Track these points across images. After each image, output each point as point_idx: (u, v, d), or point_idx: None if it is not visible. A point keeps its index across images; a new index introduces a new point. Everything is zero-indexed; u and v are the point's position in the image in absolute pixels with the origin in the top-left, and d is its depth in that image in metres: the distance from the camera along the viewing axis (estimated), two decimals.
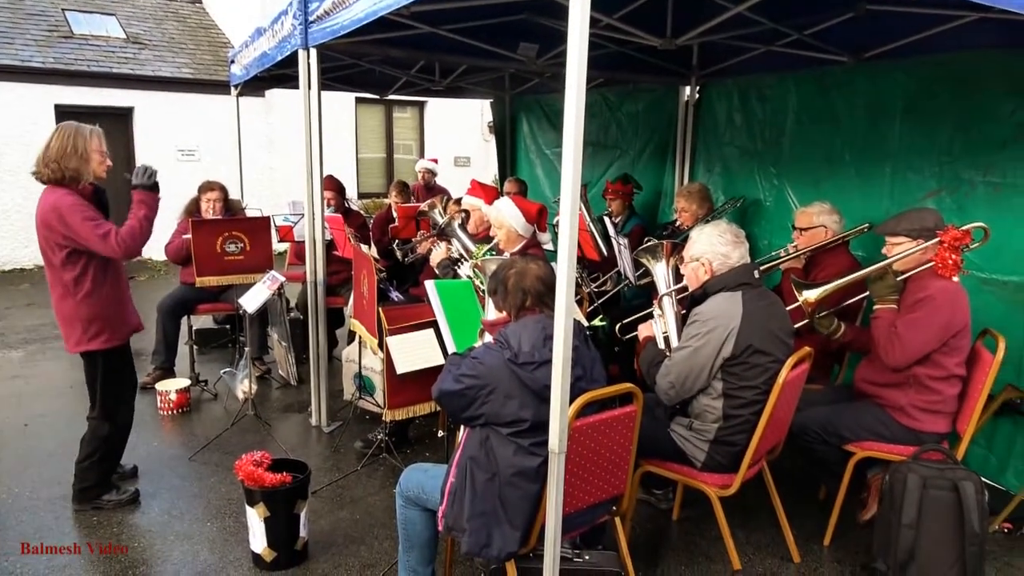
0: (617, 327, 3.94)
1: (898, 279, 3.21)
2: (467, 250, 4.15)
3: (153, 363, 5.41)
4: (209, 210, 5.43)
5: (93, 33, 11.55)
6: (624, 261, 4.50)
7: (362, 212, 6.94)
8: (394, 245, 5.75)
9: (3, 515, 3.54)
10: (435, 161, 8.70)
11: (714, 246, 2.97)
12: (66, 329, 3.43)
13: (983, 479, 2.93)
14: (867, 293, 3.42)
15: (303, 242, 4.71)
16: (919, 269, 3.17)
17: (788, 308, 3.15)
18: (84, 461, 3.58)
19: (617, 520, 2.78)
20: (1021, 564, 3.23)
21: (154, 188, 3.46)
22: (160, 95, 11.41)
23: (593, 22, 2.01)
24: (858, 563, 3.21)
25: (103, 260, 3.37)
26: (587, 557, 2.50)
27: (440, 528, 2.54)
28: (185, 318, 5.47)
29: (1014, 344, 3.48)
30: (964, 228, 3.07)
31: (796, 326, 3.22)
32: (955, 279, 3.09)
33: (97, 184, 3.42)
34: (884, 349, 3.12)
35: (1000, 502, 3.50)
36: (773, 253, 4.26)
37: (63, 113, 10.54)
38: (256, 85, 6.99)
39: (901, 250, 3.19)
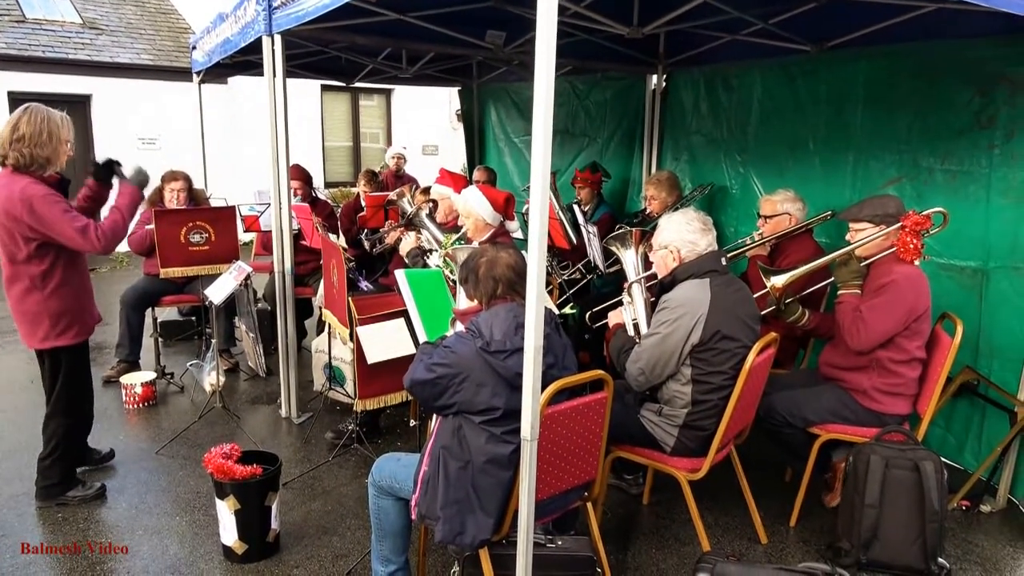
0: (587, 316, 3.96)
1: (861, 265, 3.28)
2: (436, 239, 4.13)
3: (117, 356, 5.31)
4: (173, 200, 5.33)
5: (47, 17, 11.21)
6: (594, 249, 4.53)
7: (329, 201, 6.87)
8: (363, 235, 5.70)
9: None
10: (405, 148, 8.68)
11: (682, 234, 3.00)
12: (29, 326, 3.27)
13: (942, 459, 3.02)
14: (832, 279, 3.49)
15: (270, 232, 4.65)
16: (882, 255, 3.24)
17: (756, 295, 3.20)
18: (47, 459, 3.49)
19: (589, 505, 2.81)
20: (979, 540, 3.34)
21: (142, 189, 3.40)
22: (119, 82, 11.12)
23: (561, 10, 2.01)
24: (823, 542, 3.29)
25: (72, 252, 3.24)
26: (560, 543, 2.52)
27: (413, 517, 2.54)
28: (149, 310, 5.37)
29: (971, 327, 3.59)
30: (925, 213, 3.14)
31: (763, 312, 3.27)
32: (916, 264, 3.17)
33: (62, 174, 3.27)
34: (849, 333, 3.18)
35: (958, 480, 3.61)
36: (739, 241, 4.32)
37: (16, 100, 10.22)
38: (219, 72, 6.86)
39: (864, 236, 3.26)
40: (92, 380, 3.66)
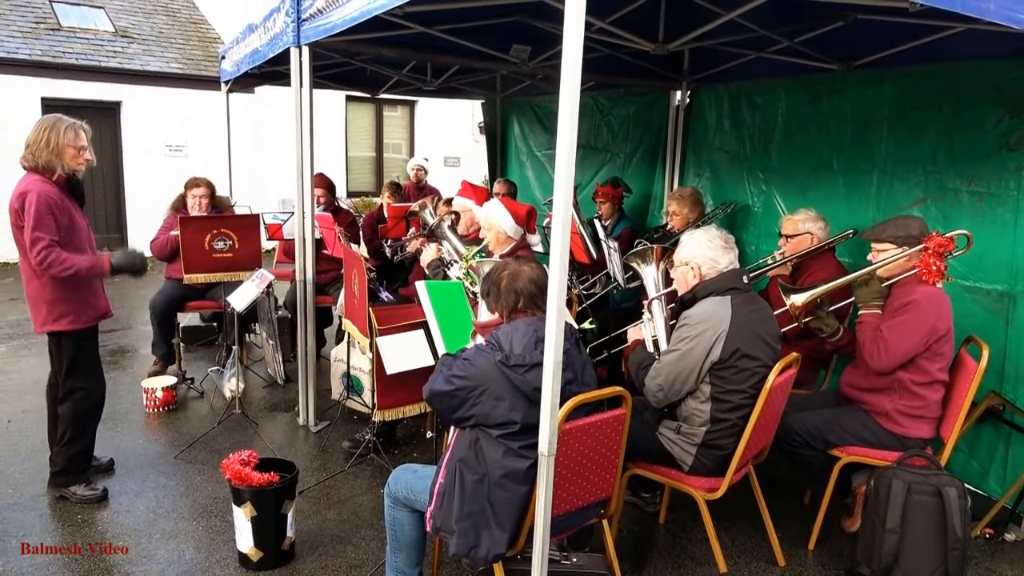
0: (608, 338, 3.94)
1: (883, 285, 3.25)
2: (457, 251, 4.15)
3: (155, 354, 5.44)
4: (195, 206, 5.40)
5: (81, 26, 11.45)
6: (614, 264, 4.52)
7: (352, 211, 6.92)
8: (385, 243, 5.73)
9: None
10: (426, 160, 8.73)
11: (704, 251, 2.99)
12: (33, 310, 3.51)
13: (966, 485, 2.96)
14: (853, 299, 3.45)
15: (292, 240, 4.69)
16: (904, 276, 3.21)
17: (776, 313, 3.17)
18: (55, 445, 3.64)
19: (605, 522, 2.79)
20: (1002, 569, 3.27)
21: (114, 272, 3.57)
22: (148, 89, 11.33)
23: (586, 26, 2.01)
24: (842, 567, 3.24)
25: (66, 244, 3.41)
26: (575, 559, 2.51)
27: (428, 529, 2.54)
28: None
29: (997, 352, 3.53)
30: (948, 235, 3.11)
31: (784, 330, 3.24)
32: (938, 285, 3.13)
33: (71, 175, 3.51)
34: (869, 352, 3.15)
35: (982, 508, 3.54)
36: (760, 261, 4.29)
37: (49, 106, 10.43)
38: (246, 82, 6.95)
39: (886, 256, 3.23)
40: (101, 372, 3.73)
